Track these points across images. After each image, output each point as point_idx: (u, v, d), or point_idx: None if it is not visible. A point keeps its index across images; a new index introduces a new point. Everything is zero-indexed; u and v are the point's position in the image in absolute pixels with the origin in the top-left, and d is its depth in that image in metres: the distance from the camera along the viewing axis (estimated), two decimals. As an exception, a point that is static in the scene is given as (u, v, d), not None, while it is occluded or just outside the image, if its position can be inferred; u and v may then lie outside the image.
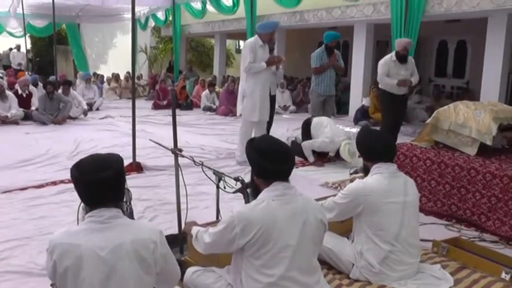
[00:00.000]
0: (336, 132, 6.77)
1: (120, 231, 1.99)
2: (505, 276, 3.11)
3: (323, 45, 7.59)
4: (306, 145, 6.73)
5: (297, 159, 6.26)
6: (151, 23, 18.15)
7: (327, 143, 6.58)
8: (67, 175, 5.60)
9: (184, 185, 3.33)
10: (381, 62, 7.04)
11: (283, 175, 2.43)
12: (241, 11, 13.36)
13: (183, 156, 3.36)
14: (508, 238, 3.96)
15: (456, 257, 3.41)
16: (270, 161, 2.37)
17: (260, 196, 2.42)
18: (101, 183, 1.98)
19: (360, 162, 3.41)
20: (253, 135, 6.51)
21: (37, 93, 10.71)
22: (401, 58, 6.86)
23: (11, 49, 18.29)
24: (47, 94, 9.97)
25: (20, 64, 17.48)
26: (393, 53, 6.96)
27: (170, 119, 12.00)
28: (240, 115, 6.63)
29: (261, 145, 2.45)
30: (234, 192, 3.16)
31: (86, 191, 2.02)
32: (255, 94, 6.32)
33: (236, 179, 3.16)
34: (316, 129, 6.78)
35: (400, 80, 6.83)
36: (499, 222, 4.02)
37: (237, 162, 6.49)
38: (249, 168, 6.36)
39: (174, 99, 3.58)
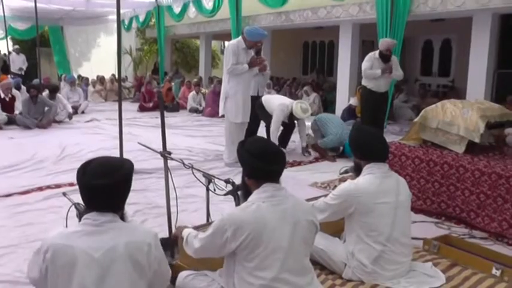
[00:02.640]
0: (283, 98, 7.47)
1: (114, 233, 1.99)
2: (496, 272, 3.13)
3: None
4: (273, 128, 7.01)
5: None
6: (136, 24, 18.08)
7: (283, 109, 6.98)
8: (53, 180, 5.62)
9: (174, 188, 3.31)
10: (366, 58, 7.22)
11: (274, 176, 2.42)
12: (226, 12, 13.33)
13: (172, 159, 3.33)
14: (497, 234, 3.99)
15: (447, 255, 3.43)
16: (261, 161, 2.37)
17: (250, 198, 2.41)
18: (97, 189, 1.98)
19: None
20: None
21: (20, 97, 10.56)
22: (384, 58, 7.05)
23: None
24: (30, 98, 9.84)
25: (21, 69, 16.24)
26: (377, 51, 7.11)
27: (157, 121, 11.92)
28: (223, 116, 6.62)
29: (253, 145, 2.45)
30: (225, 195, 3.14)
31: (83, 193, 2.03)
32: (238, 95, 6.31)
33: (227, 181, 3.14)
34: (270, 103, 7.21)
35: (383, 68, 7.01)
36: (488, 218, 4.05)
37: (226, 164, 6.46)
38: (238, 170, 6.37)
39: (161, 102, 3.55)
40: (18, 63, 16.34)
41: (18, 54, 16.47)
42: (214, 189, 3.26)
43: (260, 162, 2.37)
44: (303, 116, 6.95)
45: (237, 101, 6.32)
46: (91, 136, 8.78)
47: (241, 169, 6.25)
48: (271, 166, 2.39)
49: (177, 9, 15.81)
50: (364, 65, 7.18)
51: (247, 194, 2.49)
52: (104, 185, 1.97)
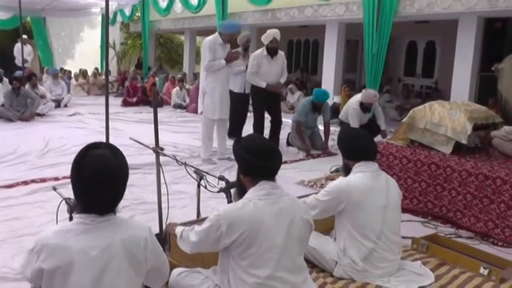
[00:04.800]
0: None
1: (109, 230, 1.94)
2: (484, 271, 3.19)
3: (311, 100, 7.48)
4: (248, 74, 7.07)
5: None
6: (120, 18, 17.92)
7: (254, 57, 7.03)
8: (38, 174, 5.55)
9: (166, 184, 3.28)
10: (353, 113, 7.09)
11: (270, 173, 2.42)
12: (211, 8, 13.28)
13: (165, 155, 3.30)
14: (482, 234, 4.05)
15: (435, 254, 3.49)
16: (258, 159, 2.37)
17: (247, 195, 2.40)
18: (101, 201, 1.93)
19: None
20: (214, 134, 6.57)
21: (2, 89, 10.39)
22: (365, 109, 7.10)
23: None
24: (13, 90, 9.67)
25: (25, 61, 14.46)
26: (359, 102, 7.05)
27: (140, 116, 11.77)
28: (201, 112, 6.59)
29: (249, 143, 2.45)
30: (217, 192, 3.13)
31: (83, 201, 1.96)
32: (215, 92, 6.26)
33: (221, 178, 3.13)
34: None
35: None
36: (474, 218, 4.11)
37: (202, 160, 6.43)
38: (225, 166, 6.35)
39: (155, 99, 3.52)
40: (24, 54, 14.59)
41: (25, 44, 15.06)
42: (206, 186, 3.24)
43: (257, 159, 2.37)
44: (273, 32, 6.84)
45: (214, 97, 6.27)
46: (74, 130, 8.69)
47: (227, 166, 6.25)
48: (268, 164, 2.39)
49: (163, 4, 15.72)
50: (353, 122, 7.06)
51: (242, 191, 2.48)
52: (109, 198, 1.94)
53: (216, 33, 6.33)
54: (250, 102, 7.72)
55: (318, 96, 7.39)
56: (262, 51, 6.95)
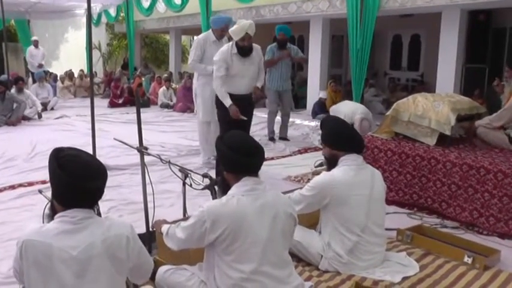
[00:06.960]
0: None
1: (91, 230, 1.96)
2: (468, 260, 3.25)
3: (275, 42, 7.89)
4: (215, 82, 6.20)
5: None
6: (105, 19, 17.81)
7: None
8: (25, 178, 5.53)
9: (151, 184, 3.29)
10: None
11: (253, 169, 2.45)
12: (196, 7, 13.26)
13: (149, 154, 3.31)
14: (468, 223, 4.09)
15: (420, 244, 3.53)
16: (240, 154, 2.39)
17: (230, 192, 2.43)
18: (89, 192, 1.97)
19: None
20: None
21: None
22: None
23: None
24: (-2, 95, 9.58)
25: (40, 65, 13.88)
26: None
27: (127, 117, 11.71)
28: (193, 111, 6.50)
29: (232, 139, 2.47)
30: (202, 189, 3.15)
31: (67, 195, 1.97)
32: (206, 93, 5.95)
33: (204, 176, 3.14)
34: None
35: None
36: (459, 208, 4.15)
37: (203, 162, 6.21)
38: (212, 165, 6.31)
39: (138, 98, 3.52)
40: (37, 58, 14.17)
41: (37, 47, 14.34)
42: (191, 184, 3.25)
43: (240, 156, 2.39)
44: (245, 26, 4.91)
45: (205, 98, 5.95)
46: (62, 133, 8.65)
47: (214, 164, 6.18)
48: (250, 159, 2.42)
49: (146, 4, 15.68)
50: None
51: (226, 188, 2.50)
52: (98, 187, 1.98)
53: (210, 30, 6.06)
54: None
55: (278, 30, 7.78)
56: (229, 47, 5.17)
